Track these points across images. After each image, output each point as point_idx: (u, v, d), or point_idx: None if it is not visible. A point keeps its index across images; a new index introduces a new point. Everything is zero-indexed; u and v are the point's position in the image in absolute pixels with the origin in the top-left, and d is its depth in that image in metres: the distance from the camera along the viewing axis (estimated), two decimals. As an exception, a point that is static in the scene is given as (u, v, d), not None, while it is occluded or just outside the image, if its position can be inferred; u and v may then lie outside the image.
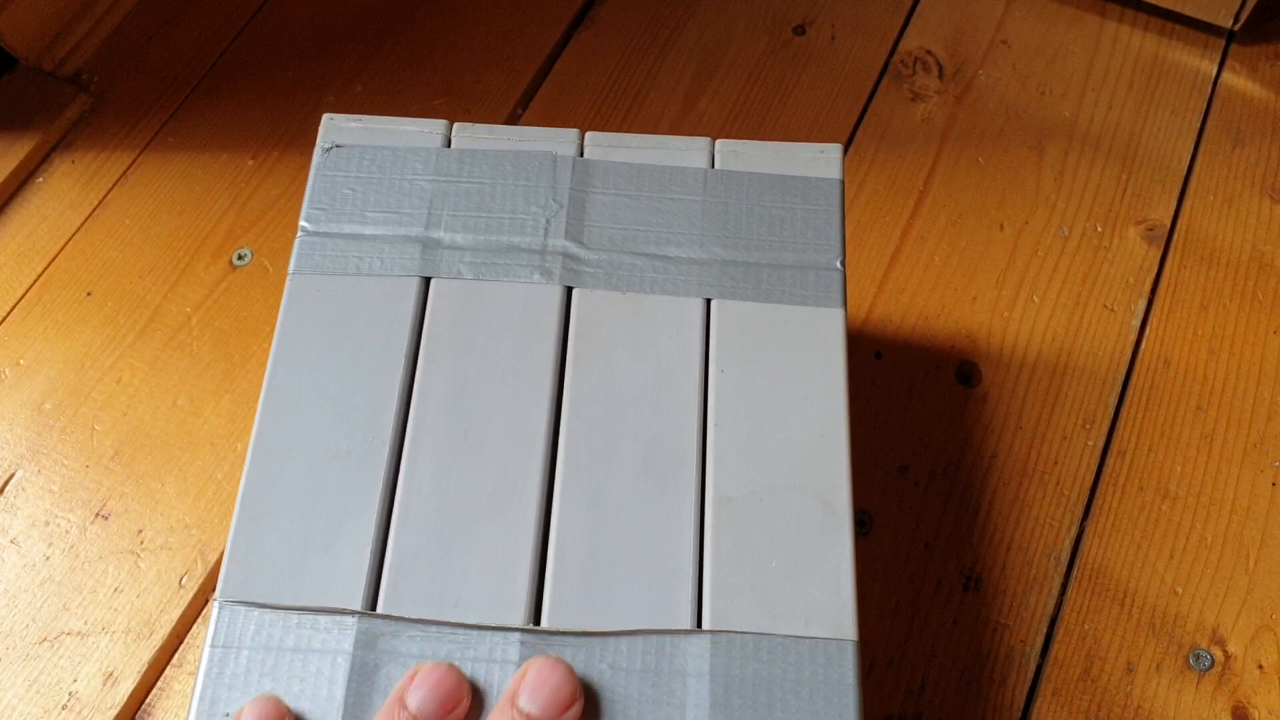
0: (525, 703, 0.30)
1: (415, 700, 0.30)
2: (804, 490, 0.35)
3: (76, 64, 0.58)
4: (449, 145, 0.41)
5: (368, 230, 0.39)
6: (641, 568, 0.33)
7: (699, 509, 0.35)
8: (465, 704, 0.31)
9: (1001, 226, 0.54)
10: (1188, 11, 0.59)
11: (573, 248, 0.39)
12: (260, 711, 0.31)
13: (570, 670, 0.31)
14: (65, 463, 0.48)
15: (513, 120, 0.57)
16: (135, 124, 0.57)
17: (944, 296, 0.52)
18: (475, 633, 0.32)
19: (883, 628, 0.45)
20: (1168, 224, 0.54)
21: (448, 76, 0.58)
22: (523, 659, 0.32)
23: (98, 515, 0.47)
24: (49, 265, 0.53)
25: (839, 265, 0.39)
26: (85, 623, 0.45)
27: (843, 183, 0.40)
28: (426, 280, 0.38)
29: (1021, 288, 0.52)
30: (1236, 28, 0.59)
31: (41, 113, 0.56)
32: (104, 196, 0.55)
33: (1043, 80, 0.59)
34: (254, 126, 0.57)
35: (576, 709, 0.31)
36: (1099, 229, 0.54)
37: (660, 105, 0.58)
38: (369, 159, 0.40)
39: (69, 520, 0.47)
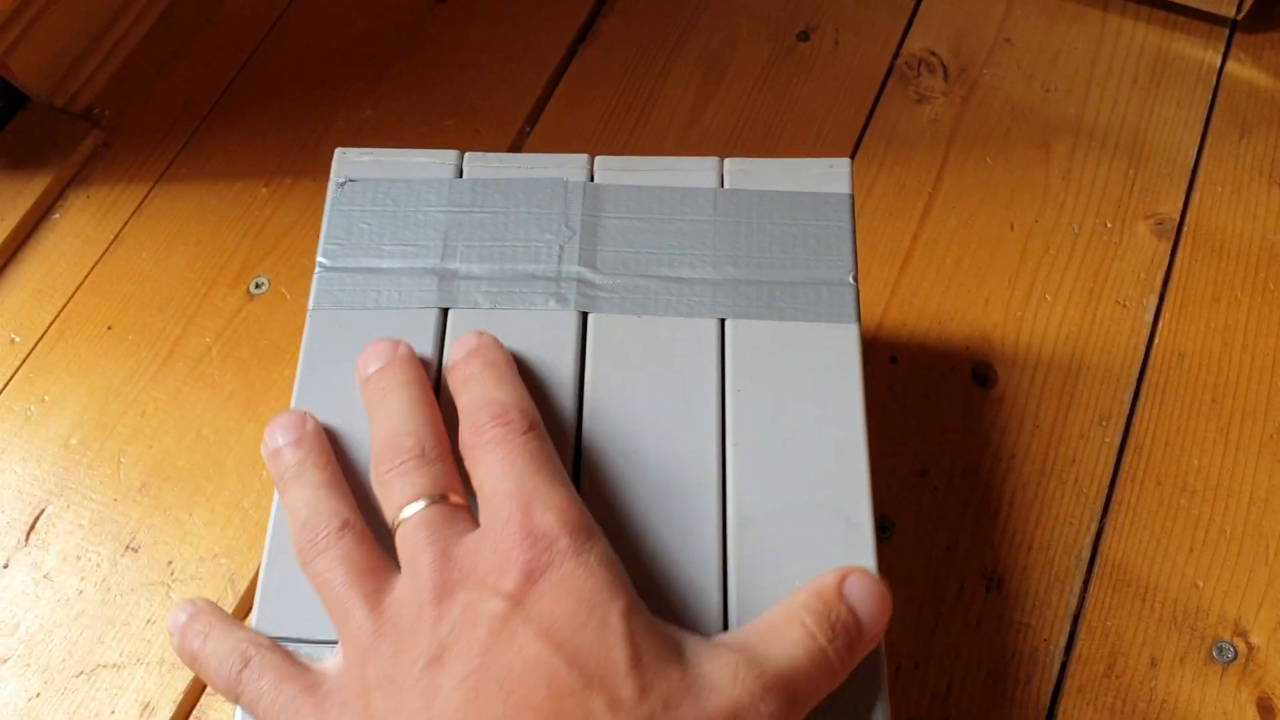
0: None
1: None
2: (825, 507, 0.35)
3: (88, 99, 0.59)
4: (461, 175, 0.41)
5: (385, 264, 0.40)
6: (666, 589, 0.34)
7: (721, 529, 0.35)
8: None
9: (1012, 226, 0.54)
10: (1191, 3, 0.59)
11: (587, 273, 0.39)
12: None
13: None
14: (94, 497, 0.49)
15: (521, 138, 0.58)
16: (148, 157, 0.58)
17: (957, 299, 0.52)
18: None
19: (906, 632, 0.45)
20: (1177, 217, 0.55)
21: (455, 97, 0.59)
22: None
23: (128, 548, 0.48)
24: (69, 301, 0.54)
25: (851, 280, 0.39)
26: (120, 655, 0.46)
27: (852, 197, 0.41)
28: (444, 311, 0.39)
29: (1034, 287, 0.53)
30: (1240, 17, 0.59)
31: (55, 149, 0.57)
32: (120, 230, 0.56)
33: (1047, 78, 0.59)
34: (265, 154, 0.57)
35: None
36: (1108, 225, 0.54)
37: (667, 117, 0.58)
38: (383, 192, 0.41)
39: (100, 554, 0.48)
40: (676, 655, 0.30)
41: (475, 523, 0.33)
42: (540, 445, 0.34)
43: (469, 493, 0.34)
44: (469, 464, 0.34)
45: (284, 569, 0.34)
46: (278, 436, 0.36)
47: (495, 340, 0.37)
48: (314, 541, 0.33)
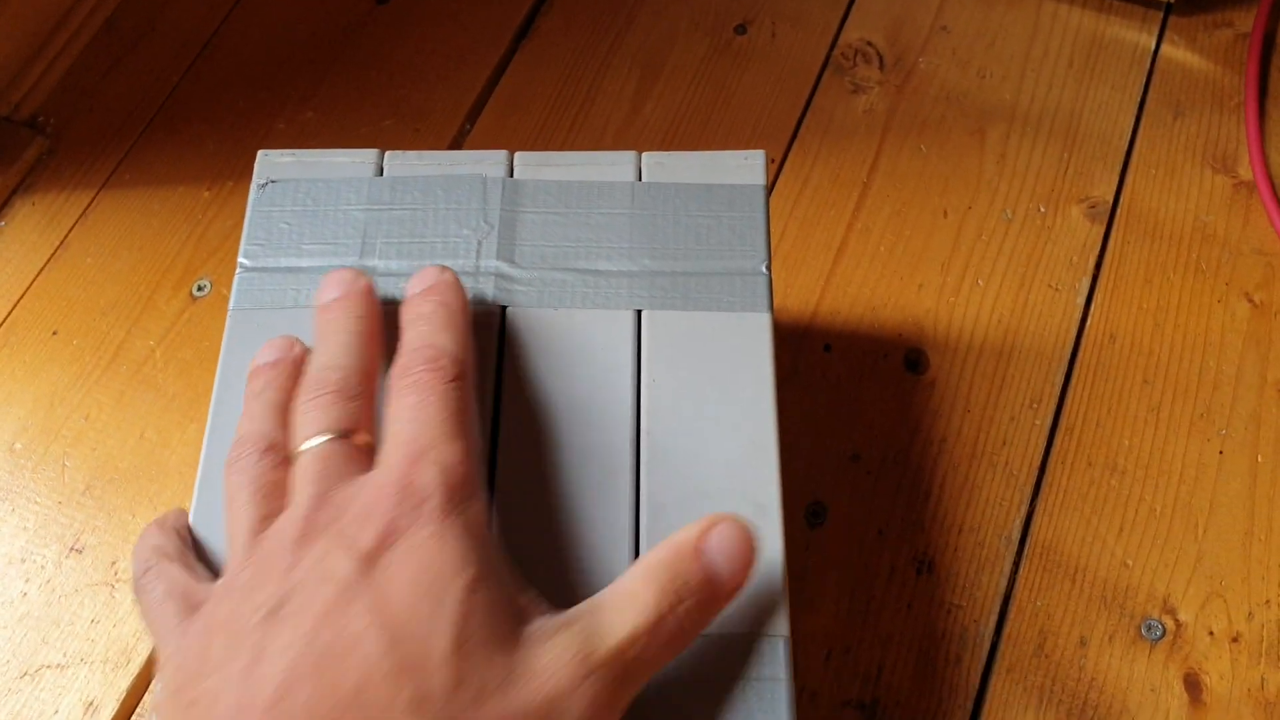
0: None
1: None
2: (736, 493, 0.36)
3: (32, 107, 0.60)
4: (382, 173, 0.42)
5: (305, 262, 0.40)
6: (579, 577, 0.35)
7: (634, 516, 0.36)
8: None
9: (945, 213, 0.55)
10: (1124, -14, 0.60)
11: (505, 268, 0.40)
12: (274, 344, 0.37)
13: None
14: (39, 500, 0.49)
15: (461, 136, 0.58)
16: (93, 163, 0.58)
17: (890, 286, 0.53)
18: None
19: (839, 616, 0.46)
20: (1110, 200, 0.55)
21: (396, 98, 0.59)
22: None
23: (72, 549, 0.48)
24: (14, 307, 0.54)
25: (764, 270, 0.40)
26: (64, 655, 0.46)
27: (765, 188, 0.41)
28: (363, 308, 0.39)
29: (966, 273, 0.53)
30: (1174, 0, 0.60)
31: (0, 158, 0.57)
32: (65, 237, 0.56)
33: (983, 64, 0.59)
34: (208, 158, 0.58)
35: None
36: (1042, 209, 0.55)
37: (606, 113, 0.58)
38: (303, 192, 0.41)
39: (44, 556, 0.48)
40: (509, 640, 0.30)
41: (371, 467, 0.33)
42: (459, 397, 0.34)
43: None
44: (389, 401, 0.34)
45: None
46: (267, 354, 0.37)
47: (456, 281, 0.38)
48: (238, 456, 0.34)
